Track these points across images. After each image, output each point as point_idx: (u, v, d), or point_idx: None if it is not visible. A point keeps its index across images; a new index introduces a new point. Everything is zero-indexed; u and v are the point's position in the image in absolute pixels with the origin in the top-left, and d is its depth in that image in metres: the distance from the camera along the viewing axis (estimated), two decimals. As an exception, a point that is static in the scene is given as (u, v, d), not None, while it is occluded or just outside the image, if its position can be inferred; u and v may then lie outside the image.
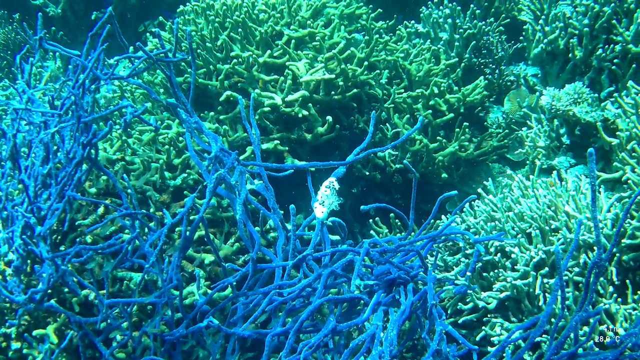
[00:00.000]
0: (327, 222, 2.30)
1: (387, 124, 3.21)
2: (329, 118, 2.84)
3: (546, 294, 2.04)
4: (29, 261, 2.25)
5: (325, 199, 2.26)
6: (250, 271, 2.18)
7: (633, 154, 2.02)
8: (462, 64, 3.48)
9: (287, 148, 2.85)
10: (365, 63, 2.98)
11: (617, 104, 2.28)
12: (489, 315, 2.19)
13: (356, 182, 3.26)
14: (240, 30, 2.89)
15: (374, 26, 3.33)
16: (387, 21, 3.55)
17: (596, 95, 2.62)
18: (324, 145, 3.02)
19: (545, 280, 2.06)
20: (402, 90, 3.30)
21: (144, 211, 2.25)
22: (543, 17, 3.11)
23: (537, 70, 3.75)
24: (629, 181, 1.97)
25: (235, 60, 2.83)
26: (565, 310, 1.99)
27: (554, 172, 2.36)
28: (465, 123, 3.17)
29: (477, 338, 2.18)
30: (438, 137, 3.14)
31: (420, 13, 3.76)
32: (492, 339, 2.12)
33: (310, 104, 2.84)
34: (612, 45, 2.78)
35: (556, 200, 2.18)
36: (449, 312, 2.32)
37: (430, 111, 3.15)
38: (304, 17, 3.05)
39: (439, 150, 3.16)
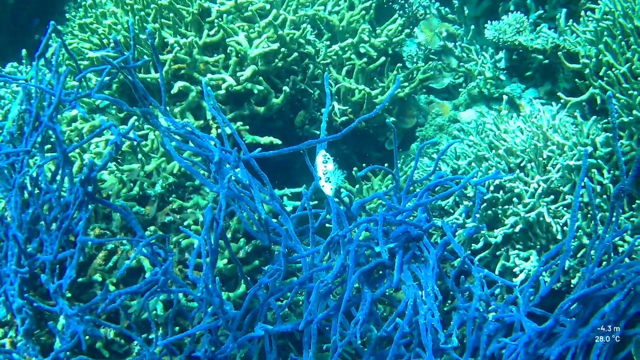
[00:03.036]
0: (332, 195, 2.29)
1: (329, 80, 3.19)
2: (286, 89, 2.78)
3: (557, 220, 2.24)
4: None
5: (330, 176, 2.25)
6: (283, 267, 2.15)
7: (605, 78, 2.22)
8: (373, 4, 3.50)
9: (247, 127, 2.75)
10: (304, 25, 2.91)
11: (573, 33, 2.46)
12: (501, 249, 2.36)
13: (298, 142, 3.25)
14: (169, 13, 2.67)
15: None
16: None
17: (531, 20, 2.80)
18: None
19: (551, 207, 2.25)
20: (328, 43, 3.28)
21: (161, 234, 2.11)
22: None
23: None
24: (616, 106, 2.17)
25: (177, 48, 2.63)
26: (580, 231, 2.21)
27: (524, 104, 2.53)
28: (398, 64, 3.24)
29: (496, 272, 2.35)
30: (380, 84, 3.19)
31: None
32: (514, 269, 2.29)
33: (260, 77, 2.74)
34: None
35: (538, 130, 2.35)
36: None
37: (365, 59, 3.17)
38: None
39: (380, 95, 3.21)
